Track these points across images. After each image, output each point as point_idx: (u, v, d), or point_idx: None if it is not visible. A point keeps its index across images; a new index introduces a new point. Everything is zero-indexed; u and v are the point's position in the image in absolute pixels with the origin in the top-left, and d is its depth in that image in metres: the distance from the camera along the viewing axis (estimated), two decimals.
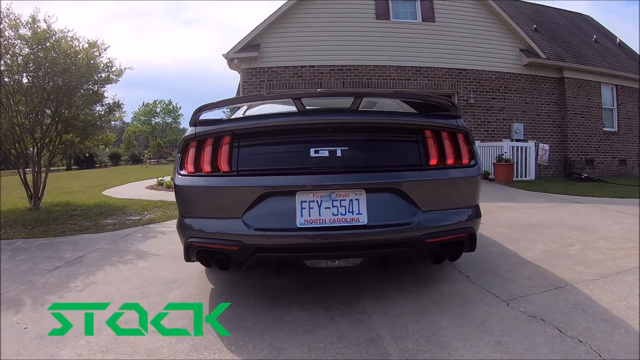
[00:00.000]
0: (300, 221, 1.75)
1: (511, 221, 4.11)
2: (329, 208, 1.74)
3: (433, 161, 1.91)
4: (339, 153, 1.79)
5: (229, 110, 3.60)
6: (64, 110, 5.02)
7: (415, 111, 2.11)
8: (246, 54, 9.02)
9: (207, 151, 1.91)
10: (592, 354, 1.56)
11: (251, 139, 1.89)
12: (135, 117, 46.94)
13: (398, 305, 2.06)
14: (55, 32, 4.92)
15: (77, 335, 1.79)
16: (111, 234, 3.95)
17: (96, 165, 37.00)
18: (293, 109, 1.85)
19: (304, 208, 1.76)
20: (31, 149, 5.09)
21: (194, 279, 2.54)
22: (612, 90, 11.05)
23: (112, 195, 7.30)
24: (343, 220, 1.74)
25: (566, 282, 2.33)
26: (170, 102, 47.49)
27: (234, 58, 9.13)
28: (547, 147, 7.88)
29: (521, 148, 7.89)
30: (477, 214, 2.06)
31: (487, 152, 8.65)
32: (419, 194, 1.82)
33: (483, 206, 5.22)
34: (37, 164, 5.15)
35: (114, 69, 5.63)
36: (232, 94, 16.54)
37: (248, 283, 2.45)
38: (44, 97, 4.71)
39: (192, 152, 1.94)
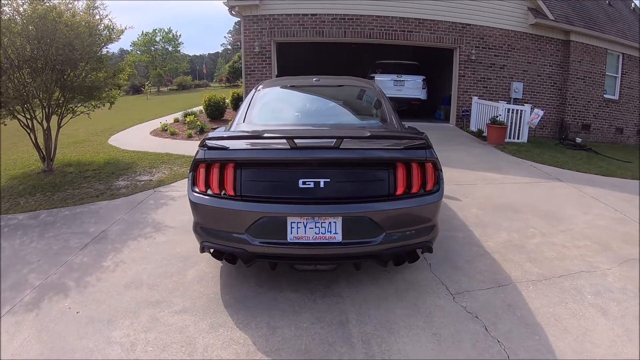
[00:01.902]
0: (290, 237, 2.23)
1: (487, 200, 4.47)
2: (312, 228, 2.22)
3: (400, 191, 2.30)
4: (322, 185, 2.21)
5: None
6: (69, 78, 5.20)
7: (389, 145, 2.43)
8: (247, 2, 8.74)
9: (215, 174, 2.32)
10: (503, 355, 2.03)
11: (252, 168, 2.31)
12: (134, 46, 44.80)
13: (367, 291, 2.60)
14: (55, 6, 4.90)
15: (122, 317, 2.36)
16: (126, 201, 4.44)
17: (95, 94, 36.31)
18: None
19: (293, 227, 2.23)
20: (39, 113, 5.36)
21: (206, 256, 2.79)
22: (619, 58, 10.81)
23: (119, 146, 7.68)
24: (322, 238, 2.23)
25: (510, 280, 2.73)
26: (170, 30, 44.95)
27: (234, 5, 8.84)
28: (541, 112, 8.01)
29: (516, 111, 8.07)
30: (434, 230, 2.49)
31: (483, 110, 8.82)
32: (384, 219, 2.26)
33: (468, 175, 5.42)
34: (47, 127, 5.47)
35: (115, 30, 5.73)
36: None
37: None
38: (50, 65, 4.87)
39: (202, 172, 2.36)
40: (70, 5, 5.31)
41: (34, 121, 5.30)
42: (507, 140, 7.98)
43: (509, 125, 7.99)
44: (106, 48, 5.83)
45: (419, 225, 2.39)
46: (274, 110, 3.22)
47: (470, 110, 9.44)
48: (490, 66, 9.74)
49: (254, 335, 2.20)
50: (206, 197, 2.34)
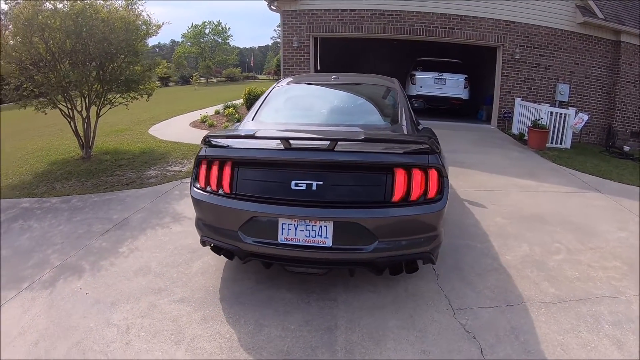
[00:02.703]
0: (281, 238, 2.25)
1: (515, 208, 4.21)
2: (303, 231, 2.21)
3: (397, 197, 2.20)
4: (314, 187, 2.19)
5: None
6: (107, 71, 5.60)
7: (388, 149, 2.32)
8: None
9: (214, 172, 2.39)
10: None
11: (247, 167, 2.35)
12: (184, 38, 47.12)
13: (363, 298, 2.55)
14: (92, 3, 5.29)
15: (124, 302, 2.53)
16: (153, 190, 4.71)
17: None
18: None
19: (284, 228, 2.24)
20: (79, 103, 5.82)
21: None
22: None
23: (157, 136, 8.14)
24: (313, 241, 2.21)
25: (521, 300, 2.54)
26: (219, 23, 47.00)
27: (273, 0, 8.98)
28: (586, 117, 7.38)
29: (559, 114, 7.53)
30: (435, 240, 2.36)
31: (526, 112, 8.34)
32: (378, 227, 2.19)
33: (500, 180, 5.14)
34: (87, 117, 5.93)
35: (152, 25, 6.10)
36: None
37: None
38: (89, 59, 5.27)
39: (203, 169, 2.44)
40: (107, 3, 5.71)
41: (74, 111, 5.76)
42: (548, 145, 7.49)
43: (552, 129, 7.48)
44: (145, 41, 6.17)
45: (418, 235, 2.29)
46: (284, 108, 3.24)
47: (513, 111, 8.94)
48: (535, 66, 9.18)
49: (240, 332, 2.26)
50: (205, 193, 2.42)
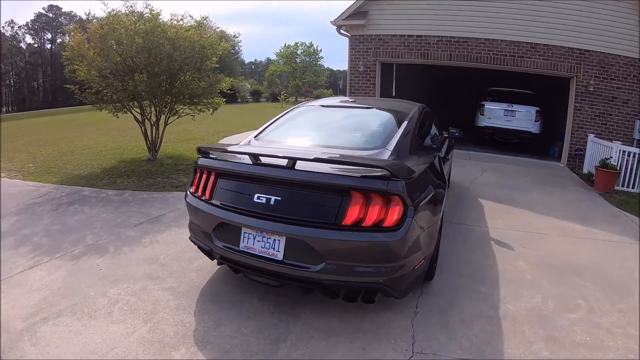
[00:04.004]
0: (242, 245, 2.50)
1: (546, 254, 3.82)
2: (260, 242, 2.43)
3: (348, 221, 2.24)
4: (272, 202, 2.40)
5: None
6: (174, 84, 6.62)
7: (346, 171, 2.34)
8: (353, 22, 9.36)
9: (201, 179, 2.79)
10: None
11: (224, 177, 2.70)
12: (278, 56, 51.06)
13: (326, 321, 2.60)
14: (160, 24, 6.40)
15: (124, 281, 3.04)
16: None
17: (238, 100, 42.58)
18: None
19: (245, 237, 2.49)
20: (149, 112, 6.93)
21: None
22: None
23: None
24: (266, 253, 2.41)
25: (499, 357, 2.31)
26: (311, 45, 49.99)
27: (341, 25, 9.53)
28: None
29: (634, 154, 6.52)
30: (393, 272, 2.31)
31: (598, 150, 7.38)
32: (325, 249, 2.27)
33: (543, 222, 4.87)
34: (156, 125, 7.05)
35: (220, 44, 7.13)
36: None
37: None
38: (158, 73, 6.32)
39: (197, 176, 2.86)
40: (175, 23, 6.82)
41: (144, 117, 6.90)
42: (618, 187, 6.57)
43: (623, 170, 6.53)
44: (212, 59, 7.09)
45: (370, 263, 2.30)
46: (287, 128, 3.52)
47: (585, 149, 7.95)
48: (611, 100, 8.12)
49: (200, 324, 2.54)
50: (193, 197, 2.83)
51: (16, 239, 3.75)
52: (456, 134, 5.06)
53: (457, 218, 4.75)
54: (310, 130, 3.49)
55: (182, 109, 7.19)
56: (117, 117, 6.97)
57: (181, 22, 6.89)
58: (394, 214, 2.26)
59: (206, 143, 9.27)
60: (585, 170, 7.76)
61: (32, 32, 51.96)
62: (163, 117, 7.03)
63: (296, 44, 49.54)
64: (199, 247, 2.89)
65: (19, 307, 2.67)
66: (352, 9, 9.25)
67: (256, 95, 47.14)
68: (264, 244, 2.42)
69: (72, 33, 6.43)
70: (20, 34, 52.67)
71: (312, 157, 2.33)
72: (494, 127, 9.61)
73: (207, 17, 8.24)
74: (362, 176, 2.30)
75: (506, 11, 8.34)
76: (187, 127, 10.89)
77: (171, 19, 6.83)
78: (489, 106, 9.70)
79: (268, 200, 2.42)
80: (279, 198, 2.41)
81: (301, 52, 49.39)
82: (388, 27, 9.25)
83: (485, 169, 7.69)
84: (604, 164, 6.48)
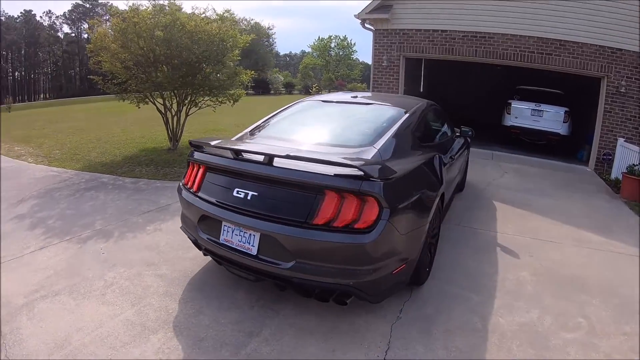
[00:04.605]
0: (222, 238, 2.57)
1: (554, 265, 3.60)
2: (237, 235, 2.49)
3: (319, 220, 2.23)
4: (249, 197, 2.45)
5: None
6: (195, 77, 6.80)
7: (321, 170, 2.29)
8: (377, 15, 9.20)
9: (193, 172, 2.89)
10: None
11: (209, 171, 2.78)
12: (312, 49, 51.10)
13: (304, 319, 2.60)
14: (179, 17, 6.57)
15: (122, 266, 3.22)
16: None
17: (271, 92, 42.99)
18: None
19: (225, 230, 2.56)
20: (169, 104, 7.18)
21: None
22: None
23: None
24: (242, 247, 2.46)
25: None
26: (345, 38, 49.76)
27: (365, 19, 9.38)
28: None
29: None
30: (365, 276, 2.28)
31: (627, 155, 6.83)
32: (295, 247, 2.28)
33: (559, 230, 4.64)
34: (177, 115, 7.29)
35: (241, 37, 7.26)
36: None
37: None
38: (178, 65, 6.52)
39: (189, 169, 2.96)
40: (194, 17, 6.97)
41: (165, 107, 7.15)
42: None
43: None
44: (233, 52, 7.23)
45: (340, 265, 2.27)
46: (281, 124, 3.54)
47: (614, 154, 7.39)
48: None
49: (182, 311, 2.66)
50: (183, 189, 2.93)
51: (32, 222, 4.07)
52: (469, 132, 4.88)
53: (466, 221, 4.60)
54: (304, 126, 3.49)
55: (202, 100, 7.38)
56: (139, 108, 7.27)
57: (203, 15, 7.06)
58: (368, 215, 2.22)
59: (230, 134, 9.50)
60: (612, 176, 7.25)
61: (69, 22, 54.86)
62: (184, 108, 7.27)
63: (329, 37, 49.49)
64: (189, 238, 3.00)
65: (23, 284, 2.91)
66: (376, 2, 9.08)
67: (289, 88, 47.47)
68: (241, 238, 2.47)
69: (95, 26, 6.76)
70: (57, 23, 55.83)
71: (284, 154, 2.33)
72: (521, 127, 9.16)
73: (230, 10, 8.37)
74: (335, 175, 2.26)
75: (534, 6, 7.88)
76: (215, 118, 11.14)
77: (192, 12, 7.03)
78: (516, 105, 9.25)
79: (246, 195, 2.47)
80: (256, 194, 2.45)
81: (335, 46, 49.26)
82: (412, 22, 9.01)
83: (507, 171, 7.36)
84: (631, 171, 6.02)
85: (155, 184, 5.48)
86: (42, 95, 51.50)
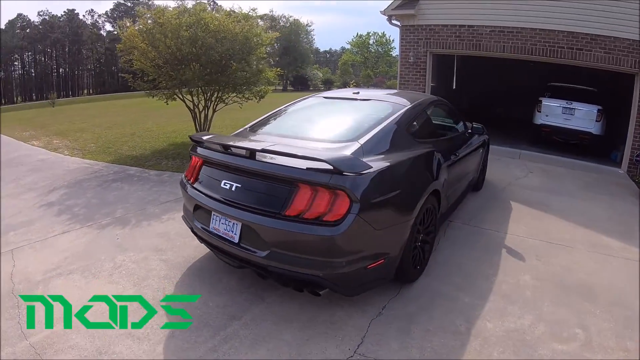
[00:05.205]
0: (211, 227, 2.74)
1: (561, 270, 3.38)
2: (223, 224, 2.64)
3: (290, 212, 2.32)
4: (233, 188, 2.60)
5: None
6: (222, 74, 7.06)
7: (295, 163, 2.36)
8: (403, 11, 9.07)
9: (193, 165, 3.09)
10: None
11: (204, 165, 2.97)
12: (351, 45, 50.86)
13: (286, 308, 2.68)
14: (203, 17, 6.85)
15: (132, 250, 3.49)
16: None
17: (310, 88, 43.34)
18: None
19: (213, 219, 2.72)
20: (196, 100, 7.50)
21: None
22: None
23: None
24: (227, 235, 2.61)
25: None
26: (383, 35, 49.08)
27: (392, 15, 9.27)
28: None
29: None
30: (332, 268, 2.33)
31: None
32: (269, 236, 2.39)
33: (575, 233, 4.52)
34: (205, 111, 7.63)
35: (266, 37, 7.45)
36: None
37: None
38: (204, 63, 6.81)
39: (190, 163, 3.16)
40: (217, 15, 7.24)
41: (193, 103, 7.49)
42: None
43: None
44: (258, 50, 7.45)
45: (310, 255, 2.35)
46: (280, 119, 3.66)
47: None
48: None
49: (173, 292, 2.88)
50: (184, 181, 3.15)
51: (60, 209, 4.52)
52: (480, 129, 4.74)
53: (477, 220, 4.46)
54: (299, 122, 3.61)
55: (228, 97, 7.66)
56: (167, 104, 7.68)
57: (231, 13, 7.32)
58: (338, 209, 2.27)
59: None
60: None
61: (111, 20, 57.70)
62: (211, 104, 7.60)
63: (368, 33, 49.03)
64: (187, 226, 3.21)
65: (44, 263, 3.27)
66: None
67: (328, 84, 47.64)
68: (226, 226, 2.63)
69: (125, 26, 7.21)
70: (100, 22, 59.25)
71: (260, 148, 2.49)
72: (551, 126, 8.59)
73: (256, 9, 8.47)
74: (307, 169, 2.33)
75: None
76: (247, 114, 11.49)
77: (213, 11, 7.30)
78: (547, 102, 8.68)
79: (231, 186, 2.63)
80: (239, 185, 2.60)
81: (373, 42, 48.73)
82: (438, 17, 8.77)
83: (532, 170, 6.96)
84: None
85: (178, 177, 5.78)
86: (85, 91, 54.90)
